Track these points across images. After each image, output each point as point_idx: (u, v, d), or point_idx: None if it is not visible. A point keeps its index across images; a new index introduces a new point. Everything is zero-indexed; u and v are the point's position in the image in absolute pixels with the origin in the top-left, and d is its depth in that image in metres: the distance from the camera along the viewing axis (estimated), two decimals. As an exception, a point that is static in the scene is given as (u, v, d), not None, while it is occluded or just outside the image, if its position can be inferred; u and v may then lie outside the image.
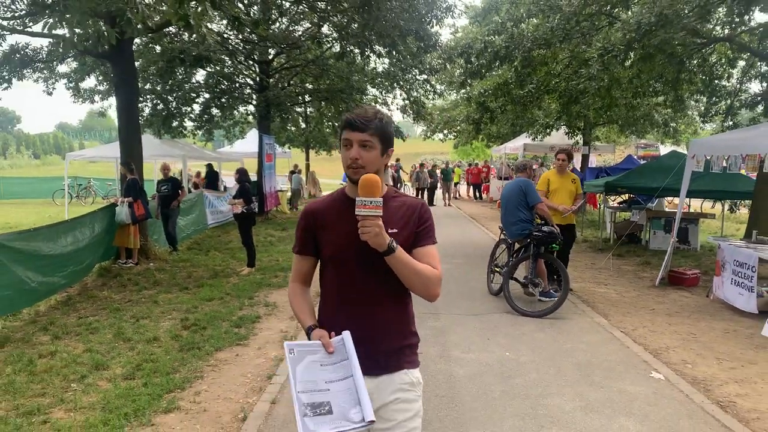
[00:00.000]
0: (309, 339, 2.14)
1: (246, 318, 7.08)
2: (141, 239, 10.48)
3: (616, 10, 11.39)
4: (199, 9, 4.62)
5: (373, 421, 1.92)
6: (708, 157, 8.72)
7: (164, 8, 4.72)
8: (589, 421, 4.34)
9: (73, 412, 4.48)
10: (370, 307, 2.19)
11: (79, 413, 4.47)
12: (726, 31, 11.65)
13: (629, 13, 11.49)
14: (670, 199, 15.37)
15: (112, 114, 21.05)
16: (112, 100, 17.72)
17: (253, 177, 16.67)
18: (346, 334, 2.09)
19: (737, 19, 9.91)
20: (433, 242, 2.25)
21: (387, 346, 2.21)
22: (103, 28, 5.25)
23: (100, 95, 17.77)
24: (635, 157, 24.36)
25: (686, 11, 8.44)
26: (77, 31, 5.82)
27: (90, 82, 32.05)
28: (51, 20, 5.08)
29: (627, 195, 14.27)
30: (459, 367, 5.35)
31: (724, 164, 8.64)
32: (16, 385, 4.99)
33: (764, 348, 6.17)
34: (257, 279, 9.36)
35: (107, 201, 23.67)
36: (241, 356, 5.81)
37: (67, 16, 4.90)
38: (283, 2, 16.64)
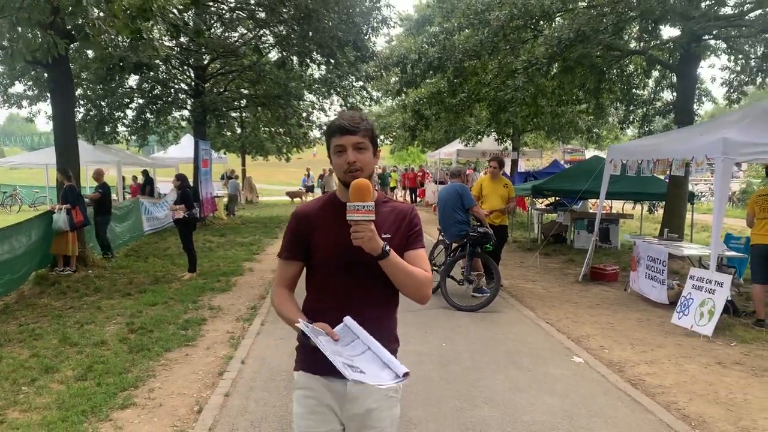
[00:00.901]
0: (302, 325, 2.09)
1: (192, 321, 7.25)
2: (79, 246, 10.39)
3: (541, 23, 12.12)
4: (151, 24, 4.86)
5: (407, 374, 1.96)
6: (624, 162, 9.48)
7: (118, 23, 4.87)
8: (518, 399, 4.82)
9: (29, 413, 4.60)
10: (360, 311, 2.17)
11: (34, 413, 4.59)
12: (641, 44, 12.57)
13: (553, 26, 12.24)
14: (594, 201, 16.32)
15: (40, 120, 20.46)
16: (41, 106, 17.36)
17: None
18: (348, 319, 2.12)
19: (646, 36, 10.77)
20: (422, 245, 2.28)
21: None
22: (53, 39, 5.36)
23: (28, 100, 17.30)
24: (561, 161, 25.60)
25: (602, 28, 9.19)
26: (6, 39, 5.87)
27: (17, 86, 30.88)
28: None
29: (553, 198, 15.09)
30: (400, 357, 5.73)
31: (642, 167, 9.35)
32: (-36, 390, 5.04)
33: (672, 334, 6.85)
34: (199, 284, 9.48)
35: (35, 209, 22.95)
36: (191, 356, 6.02)
37: (18, 28, 5.02)
38: (220, 9, 16.72)
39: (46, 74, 10.95)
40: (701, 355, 6.10)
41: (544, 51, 10.34)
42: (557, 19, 12.51)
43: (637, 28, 10.72)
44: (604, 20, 9.02)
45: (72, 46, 13.71)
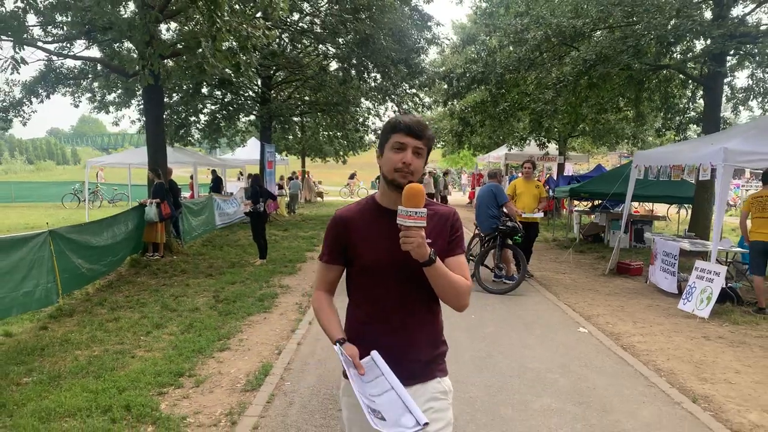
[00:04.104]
0: (337, 349, 2.10)
1: (266, 295, 8.76)
2: (165, 235, 12.08)
3: (577, 41, 13.17)
4: (246, 58, 6.31)
5: (427, 423, 1.86)
6: (647, 167, 10.50)
7: (219, 56, 6.29)
8: (525, 353, 6.09)
9: (152, 352, 6.13)
10: (405, 317, 2.16)
11: (156, 352, 6.11)
12: (677, 57, 13.46)
13: (590, 43, 13.25)
14: (636, 204, 17.20)
15: (124, 123, 22.53)
16: (125, 111, 19.37)
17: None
18: (374, 354, 2.08)
19: (666, 52, 11.65)
20: (462, 251, 2.24)
21: (420, 356, 2.18)
22: (169, 68, 6.86)
23: (115, 106, 19.36)
24: (614, 165, 26.26)
25: (622, 49, 10.22)
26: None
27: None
28: (130, 61, 6.70)
29: (591, 202, 16.06)
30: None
31: (661, 172, 10.34)
32: (98, 338, 6.60)
33: (674, 316, 7.92)
34: (270, 268, 11.02)
35: (114, 205, 25.23)
36: (268, 319, 7.50)
37: (144, 61, 6.60)
38: (290, 28, 18.37)
39: (140, 87, 12.64)
40: (692, 331, 7.18)
41: (570, 70, 11.42)
42: (596, 33, 13.51)
43: (654, 50, 11.61)
44: (624, 43, 10.01)
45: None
